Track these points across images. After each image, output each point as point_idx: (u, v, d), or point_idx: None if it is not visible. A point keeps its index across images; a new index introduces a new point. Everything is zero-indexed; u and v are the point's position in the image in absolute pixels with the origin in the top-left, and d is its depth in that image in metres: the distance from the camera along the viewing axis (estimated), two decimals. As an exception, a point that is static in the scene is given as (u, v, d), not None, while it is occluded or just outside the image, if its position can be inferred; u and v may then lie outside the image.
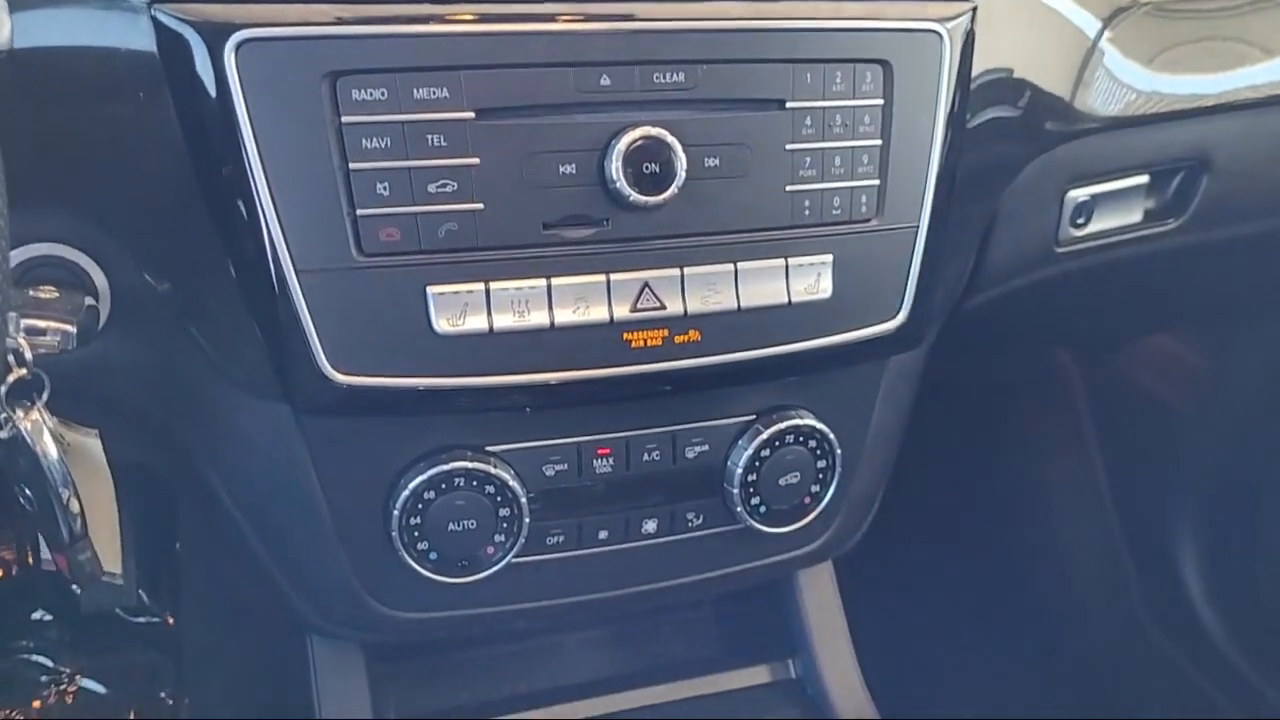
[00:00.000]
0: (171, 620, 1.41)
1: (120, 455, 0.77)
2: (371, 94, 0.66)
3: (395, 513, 0.80)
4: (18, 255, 0.71)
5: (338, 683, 1.07)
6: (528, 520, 0.82)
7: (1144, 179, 1.02)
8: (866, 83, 0.77)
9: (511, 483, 0.81)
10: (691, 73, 0.72)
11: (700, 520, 0.91)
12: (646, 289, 0.74)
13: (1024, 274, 1.02)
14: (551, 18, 0.69)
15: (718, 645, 1.28)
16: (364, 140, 0.67)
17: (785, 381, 0.88)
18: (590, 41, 0.70)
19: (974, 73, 0.83)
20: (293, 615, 0.94)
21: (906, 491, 1.18)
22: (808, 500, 0.91)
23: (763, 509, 0.89)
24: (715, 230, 0.75)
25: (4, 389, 0.67)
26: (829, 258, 0.79)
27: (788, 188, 0.76)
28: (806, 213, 0.77)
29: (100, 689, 1.37)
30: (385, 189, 0.68)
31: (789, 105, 0.75)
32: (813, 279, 0.78)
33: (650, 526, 0.89)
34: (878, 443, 0.97)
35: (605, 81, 0.70)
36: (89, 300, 0.73)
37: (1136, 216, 1.04)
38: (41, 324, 0.68)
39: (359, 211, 0.68)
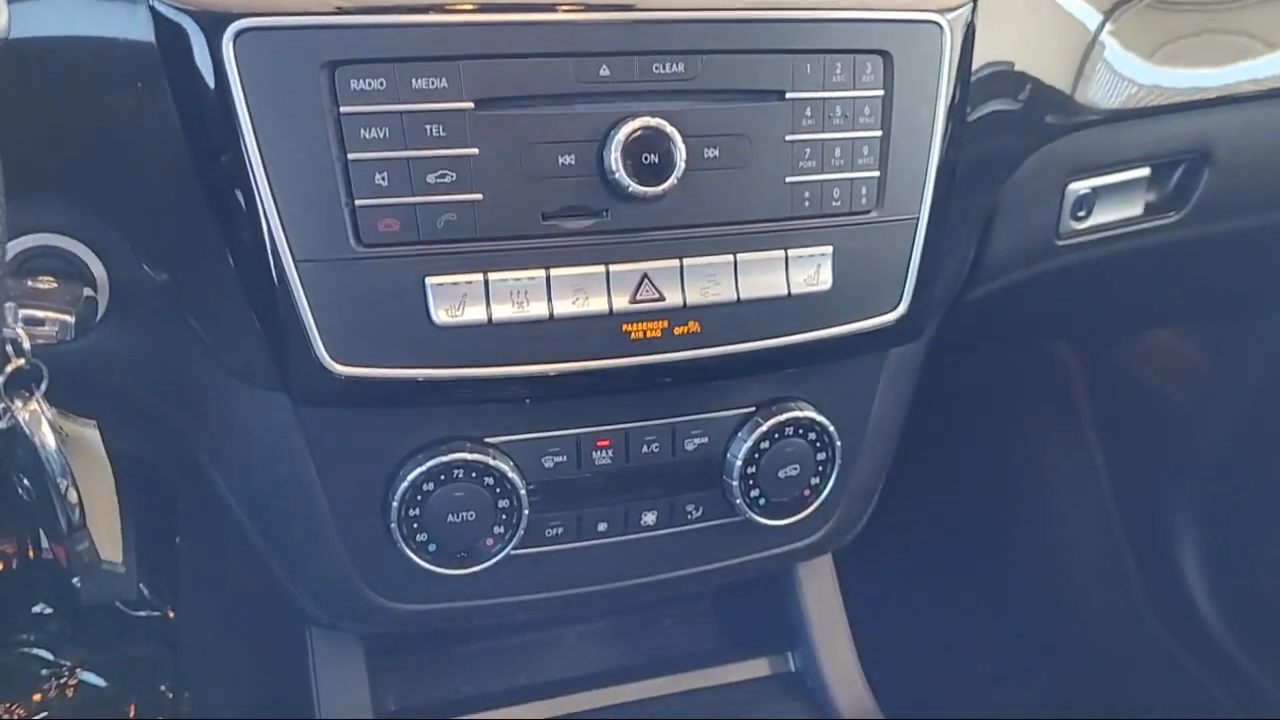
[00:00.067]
0: (171, 614, 1.41)
1: (119, 448, 0.77)
2: (370, 84, 0.66)
3: (394, 504, 0.80)
4: (16, 246, 0.71)
5: (337, 675, 1.07)
6: (527, 512, 0.82)
7: (1145, 172, 1.02)
8: (867, 74, 0.76)
9: (511, 474, 0.81)
10: (691, 63, 0.71)
11: (700, 512, 0.91)
12: (646, 280, 0.74)
13: (1025, 267, 1.01)
14: (551, 7, 0.69)
15: (717, 638, 1.29)
16: (363, 130, 0.66)
17: (785, 373, 0.88)
18: (590, 31, 0.70)
19: (975, 66, 0.83)
20: (292, 607, 0.94)
21: (907, 485, 1.17)
22: (807, 492, 0.91)
23: (762, 501, 0.89)
24: (715, 221, 0.75)
25: (2, 379, 0.67)
26: (829, 249, 0.78)
27: (787, 179, 0.76)
28: (806, 204, 0.77)
29: (100, 682, 1.37)
30: (384, 179, 0.67)
31: (789, 96, 0.75)
32: (812, 270, 0.78)
33: (649, 518, 0.89)
34: (878, 435, 0.97)
35: (604, 72, 0.70)
36: (87, 291, 0.73)
37: (1137, 209, 1.04)
38: (40, 314, 0.68)
39: (358, 202, 0.68)
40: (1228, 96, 1.00)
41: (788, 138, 0.75)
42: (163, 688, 1.38)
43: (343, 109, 0.66)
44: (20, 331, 0.67)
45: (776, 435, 0.87)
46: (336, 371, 0.71)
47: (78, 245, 0.73)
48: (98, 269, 0.74)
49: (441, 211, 0.69)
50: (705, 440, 0.87)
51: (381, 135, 0.67)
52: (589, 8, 0.70)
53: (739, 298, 0.76)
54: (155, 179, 0.71)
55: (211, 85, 0.65)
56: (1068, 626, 1.60)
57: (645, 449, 0.86)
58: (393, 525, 0.80)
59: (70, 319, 0.70)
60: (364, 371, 0.71)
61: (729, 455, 0.88)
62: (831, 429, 0.89)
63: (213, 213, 0.70)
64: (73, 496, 0.72)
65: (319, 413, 0.79)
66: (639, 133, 0.70)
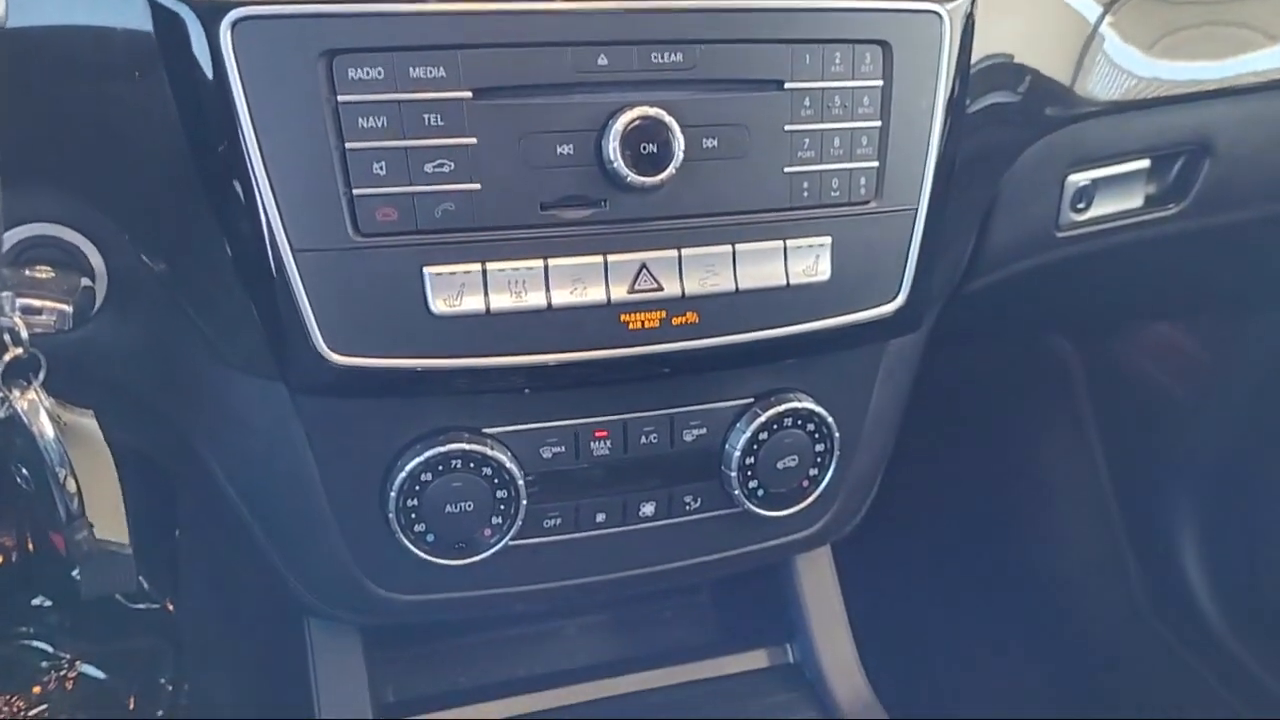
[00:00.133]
0: (171, 607, 1.41)
1: (118, 439, 0.77)
2: (368, 73, 0.66)
3: (392, 494, 0.80)
4: (13, 235, 0.71)
5: (335, 666, 1.07)
6: (525, 502, 0.82)
7: (1145, 164, 1.02)
8: (866, 64, 0.76)
9: (509, 465, 0.81)
10: (690, 53, 0.71)
11: (698, 503, 0.91)
12: (644, 270, 0.74)
13: (1024, 258, 1.01)
14: None
15: (716, 630, 1.29)
16: (360, 119, 0.66)
17: (783, 364, 0.88)
18: (588, 21, 0.70)
19: (974, 58, 0.83)
20: (290, 599, 0.94)
21: (906, 478, 1.18)
22: (806, 484, 0.91)
23: (761, 492, 0.89)
24: (713, 211, 0.75)
25: (0, 368, 0.67)
26: (827, 240, 0.78)
27: (786, 169, 0.76)
28: (805, 194, 0.77)
29: (100, 675, 1.38)
30: (382, 169, 0.67)
31: (788, 86, 0.74)
32: (811, 261, 0.78)
33: (648, 509, 0.89)
34: (876, 426, 0.97)
35: (603, 61, 0.70)
36: (85, 281, 0.73)
37: (1137, 201, 1.04)
38: (37, 303, 0.69)
39: (355, 191, 0.67)
40: (1228, 88, 1.00)
41: (786, 128, 0.75)
42: (162, 680, 1.38)
43: (340, 98, 0.66)
44: (18, 320, 0.67)
45: (775, 426, 0.87)
46: (334, 361, 0.71)
47: (75, 235, 0.73)
48: (95, 259, 0.74)
49: (439, 201, 0.69)
50: (704, 431, 0.87)
51: (379, 124, 0.67)
52: (587, -4, 0.70)
53: (737, 288, 0.76)
54: (153, 169, 0.71)
55: (209, 74, 0.65)
56: (1067, 621, 1.60)
57: (643, 440, 0.86)
58: (391, 515, 0.80)
59: (68, 308, 0.70)
60: (362, 361, 0.71)
61: (727, 446, 0.88)
62: (830, 420, 0.89)
63: (210, 202, 0.70)
64: (71, 486, 0.72)
65: (317, 403, 0.79)
66: (637, 122, 0.70)
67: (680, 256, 0.75)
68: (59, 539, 0.74)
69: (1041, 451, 1.69)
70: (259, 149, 0.66)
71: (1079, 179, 0.98)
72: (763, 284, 0.77)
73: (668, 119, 0.70)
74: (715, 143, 0.73)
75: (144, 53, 0.67)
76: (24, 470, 0.73)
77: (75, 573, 0.80)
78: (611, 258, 0.73)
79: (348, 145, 0.67)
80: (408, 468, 0.79)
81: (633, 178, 0.71)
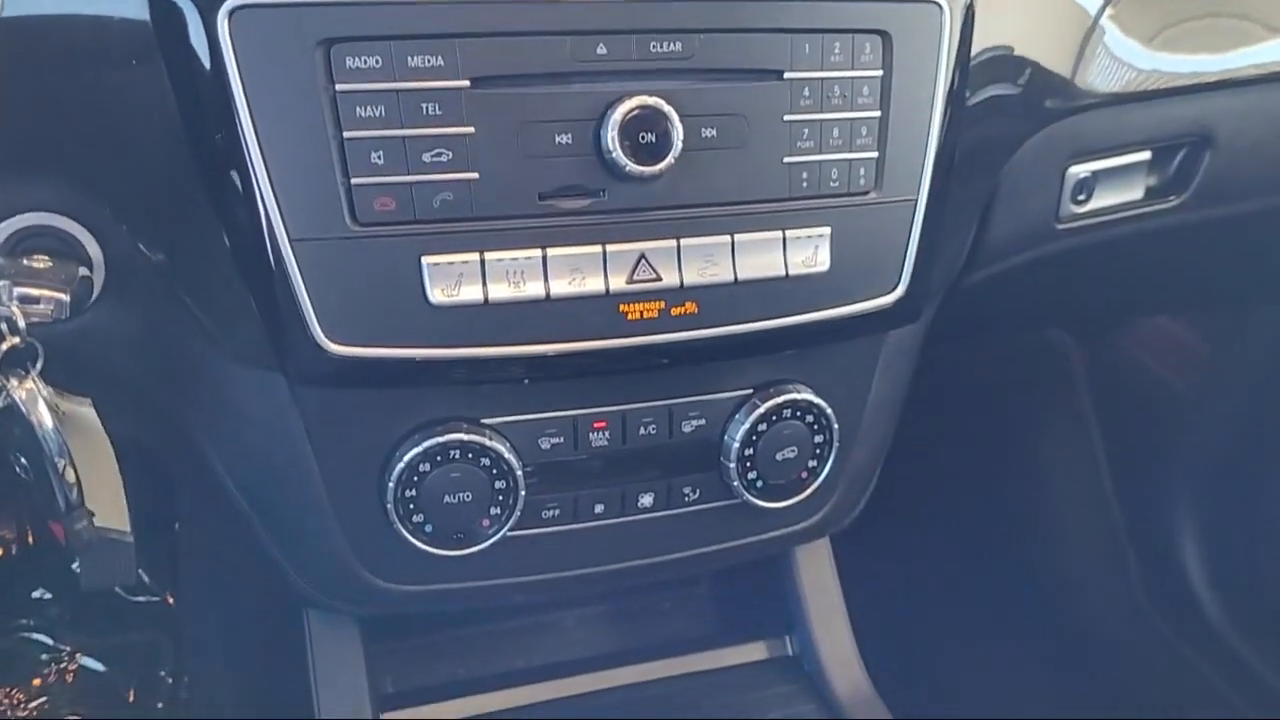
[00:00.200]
0: (171, 600, 1.41)
1: (117, 431, 0.77)
2: (365, 62, 0.66)
3: (390, 485, 0.80)
4: (10, 225, 0.71)
5: (334, 656, 1.07)
6: (523, 493, 0.82)
7: (1145, 155, 1.02)
8: (865, 54, 0.76)
9: (507, 455, 0.81)
10: (689, 42, 0.71)
11: (697, 495, 0.90)
12: (643, 260, 0.74)
13: (1024, 250, 1.01)
14: None
15: (715, 622, 1.29)
16: (358, 108, 0.66)
17: (783, 355, 0.88)
18: (586, 9, 0.70)
19: (975, 50, 0.82)
20: (289, 590, 0.94)
21: (906, 472, 1.17)
22: (805, 475, 0.91)
23: (759, 484, 0.89)
24: (712, 201, 0.75)
25: (-2, 357, 0.67)
26: (827, 230, 0.78)
27: (785, 159, 0.76)
28: (804, 184, 0.77)
29: (100, 667, 1.38)
30: (380, 158, 0.67)
31: (787, 76, 0.74)
32: (810, 251, 0.78)
33: (647, 501, 0.89)
34: (876, 418, 0.97)
35: (602, 50, 0.70)
36: (83, 270, 0.73)
37: (1138, 193, 1.04)
38: (35, 292, 0.69)
39: (353, 180, 0.67)
40: (1228, 80, 1.00)
41: (786, 118, 0.75)
42: (162, 673, 1.38)
43: (338, 87, 0.66)
44: (15, 310, 0.67)
45: (774, 417, 0.87)
46: (332, 351, 0.70)
47: (73, 224, 0.73)
48: (93, 248, 0.74)
49: (437, 190, 0.69)
50: (703, 422, 0.87)
51: (377, 113, 0.66)
52: (586, -15, 0.69)
53: (736, 278, 0.76)
54: (150, 158, 0.71)
55: (207, 64, 0.65)
56: (1066, 615, 1.60)
57: (642, 431, 0.85)
58: (389, 506, 0.80)
59: (65, 298, 0.70)
60: (360, 351, 0.71)
61: (726, 437, 0.88)
62: (829, 411, 0.89)
63: (208, 192, 0.70)
64: (70, 476, 0.72)
65: (315, 393, 0.79)
66: (636, 112, 0.70)
67: (679, 246, 0.74)
68: (58, 528, 0.74)
69: (1042, 446, 1.69)
70: (256, 138, 0.65)
71: (1079, 171, 0.98)
72: (762, 274, 0.77)
73: (666, 108, 0.70)
74: (714, 132, 0.73)
75: (141, 42, 0.67)
76: (23, 460, 0.73)
77: (75, 565, 0.81)
78: (610, 248, 0.73)
79: (345, 134, 0.66)
80: (406, 458, 0.79)
81: (631, 167, 0.70)
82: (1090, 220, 1.02)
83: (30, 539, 1.39)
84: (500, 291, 0.71)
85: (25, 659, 1.37)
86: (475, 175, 0.69)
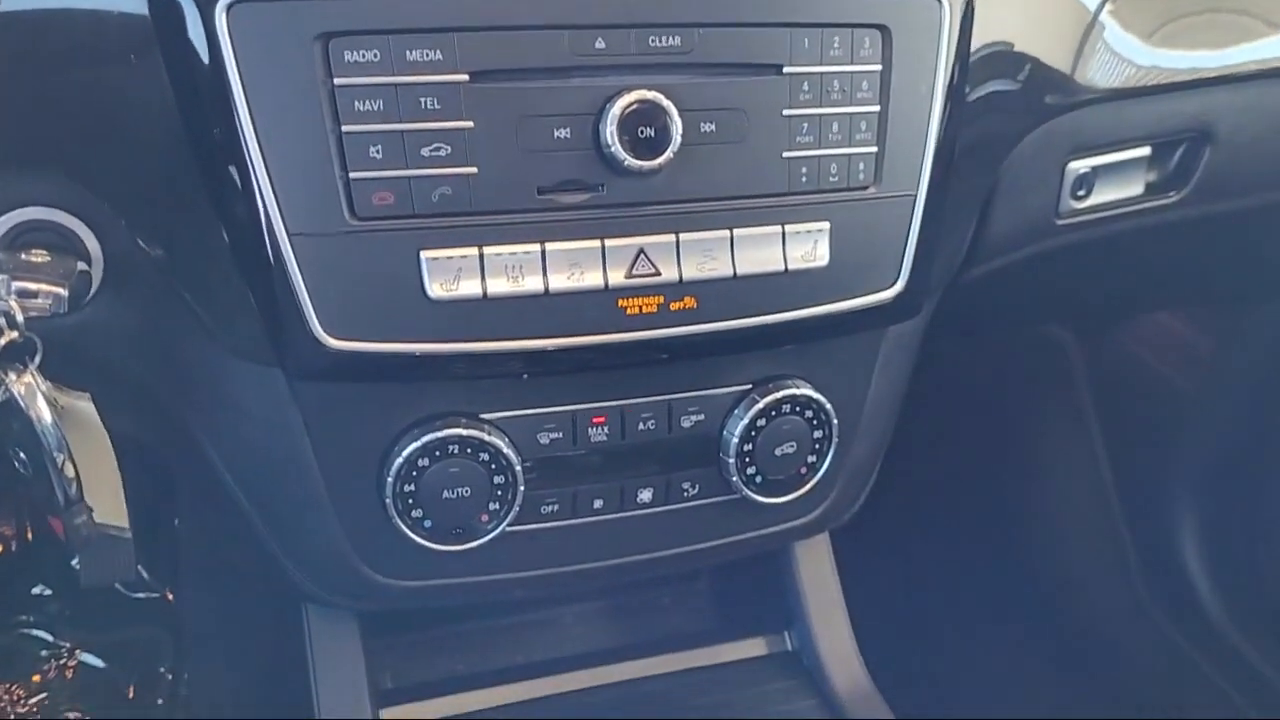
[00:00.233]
0: (170, 596, 1.41)
1: (116, 426, 0.77)
2: (364, 55, 0.66)
3: (389, 480, 0.80)
4: (9, 219, 0.71)
5: (333, 652, 1.07)
6: (522, 488, 0.82)
7: (1145, 151, 1.02)
8: (865, 48, 0.76)
9: (506, 450, 0.81)
10: (688, 36, 0.71)
11: (696, 490, 0.90)
12: (642, 255, 0.74)
13: (1024, 246, 1.01)
14: None
15: (714, 617, 1.29)
16: (356, 103, 0.66)
17: (782, 350, 0.88)
18: (585, 3, 0.69)
19: (974, 46, 0.82)
20: (288, 585, 0.94)
21: (906, 468, 1.18)
22: (804, 470, 0.91)
23: (759, 479, 0.89)
24: (711, 196, 0.75)
25: (-4, 351, 0.67)
26: (826, 225, 0.78)
27: (785, 154, 0.76)
28: (804, 179, 0.77)
29: (100, 663, 1.38)
30: (378, 152, 0.67)
31: (786, 70, 0.74)
32: (809, 246, 0.78)
33: (645, 496, 0.89)
34: (875, 414, 0.97)
35: (600, 44, 0.70)
36: (81, 265, 0.73)
37: (1138, 189, 1.03)
38: (33, 286, 0.69)
39: (351, 175, 0.67)
40: (1228, 76, 0.99)
41: (785, 112, 0.75)
42: (162, 669, 1.38)
43: (336, 81, 0.66)
44: (13, 304, 0.67)
45: (773, 412, 0.87)
46: (331, 346, 0.70)
47: (71, 219, 0.73)
48: (92, 243, 0.74)
49: (436, 185, 0.69)
50: (701, 417, 0.87)
51: (375, 107, 0.66)
52: (584, -22, 0.69)
53: (735, 273, 0.76)
54: (149, 153, 0.71)
55: (205, 58, 0.65)
56: (1066, 612, 1.60)
57: (641, 426, 0.85)
58: (388, 501, 0.80)
59: (63, 292, 0.70)
60: (358, 346, 0.71)
61: (725, 432, 0.88)
62: (828, 407, 0.89)
63: (206, 187, 0.70)
64: (69, 470, 0.72)
65: (314, 388, 0.79)
66: (635, 106, 0.70)
67: (678, 241, 0.74)
68: (57, 524, 0.74)
69: (1042, 442, 1.69)
70: (255, 132, 0.65)
71: (1079, 166, 0.98)
72: (761, 269, 0.77)
73: (665, 103, 0.70)
74: (713, 127, 0.73)
75: (140, 36, 0.67)
76: (22, 455, 0.73)
77: (75, 562, 0.81)
78: (609, 242, 0.73)
79: (344, 128, 0.66)
80: (405, 453, 0.79)
81: (630, 162, 0.70)
82: (1090, 216, 1.01)
83: (30, 535, 1.39)
84: (499, 286, 0.71)
85: (25, 655, 1.37)
86: (474, 170, 0.69)
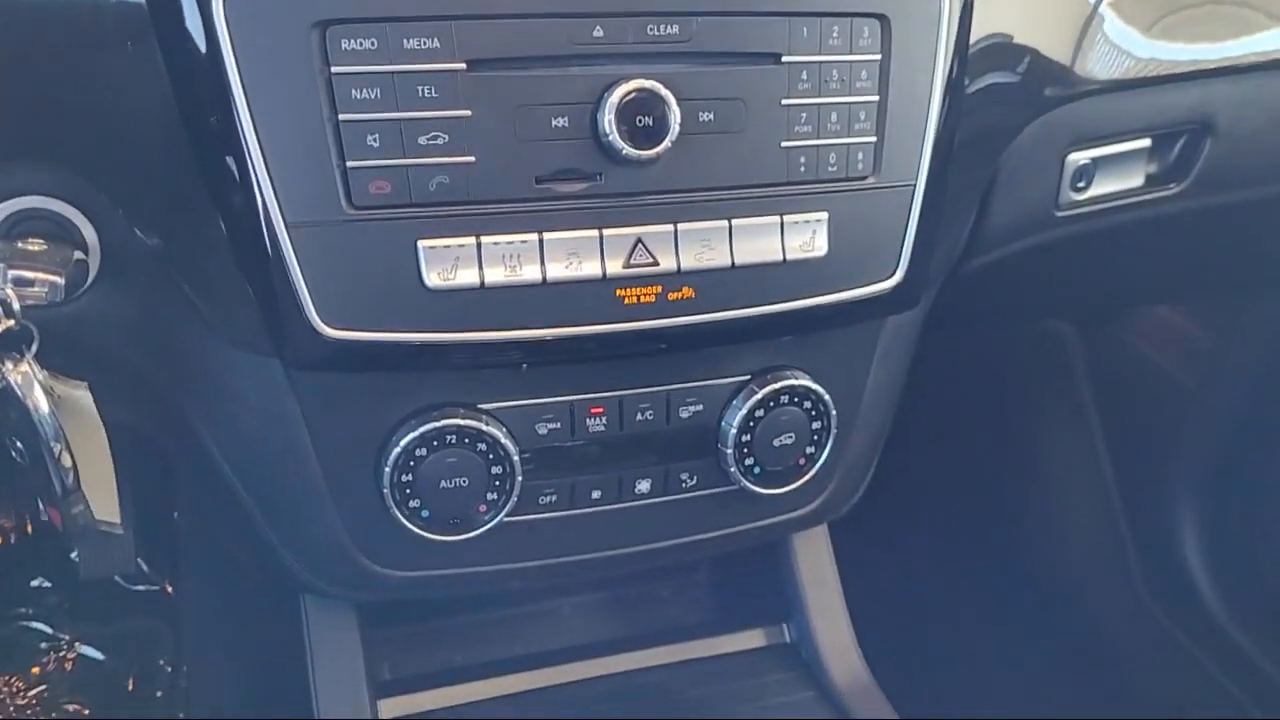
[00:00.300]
0: (170, 588, 1.42)
1: (115, 417, 0.77)
2: (361, 44, 0.65)
3: (387, 470, 0.79)
4: (5, 208, 0.71)
5: (331, 642, 1.07)
6: (520, 479, 0.82)
7: (1145, 142, 1.01)
8: (864, 38, 0.76)
9: (504, 441, 0.80)
10: (686, 25, 0.71)
11: (694, 481, 0.90)
12: (640, 244, 0.74)
13: (1024, 237, 1.01)
14: None
15: (712, 609, 1.29)
16: (354, 91, 0.66)
17: (780, 341, 0.87)
18: None
19: (974, 38, 0.82)
20: (286, 576, 0.94)
21: (906, 461, 1.18)
22: (802, 462, 0.91)
23: (757, 470, 0.89)
24: (709, 186, 0.74)
25: (-7, 340, 0.67)
26: (824, 215, 0.78)
27: (783, 143, 0.75)
28: (802, 169, 0.76)
29: (99, 656, 1.38)
30: (375, 141, 0.67)
31: (785, 60, 0.74)
32: (808, 236, 0.77)
33: (644, 487, 0.89)
34: (874, 405, 0.97)
35: (599, 33, 0.69)
36: (78, 254, 0.73)
37: (1138, 181, 1.03)
38: (29, 275, 0.68)
39: (349, 164, 0.67)
40: (1229, 67, 0.99)
41: (784, 102, 0.75)
42: (161, 661, 1.39)
43: (334, 69, 0.65)
44: (10, 292, 0.67)
45: (771, 403, 0.87)
46: (328, 335, 0.70)
47: (68, 208, 0.72)
48: (89, 232, 0.73)
49: (434, 174, 0.68)
50: (700, 408, 0.87)
51: (373, 96, 0.66)
52: (582, -32, 0.69)
53: (733, 263, 0.76)
54: (145, 141, 0.70)
55: (202, 46, 0.64)
56: (1065, 605, 1.60)
57: (639, 416, 0.85)
58: (385, 491, 0.80)
59: (60, 280, 0.69)
60: (356, 335, 0.71)
61: (723, 423, 0.87)
62: (827, 398, 0.89)
63: (203, 175, 0.69)
64: (66, 460, 0.72)
65: (312, 377, 0.79)
66: (633, 95, 0.69)
67: (676, 231, 0.74)
68: (54, 513, 0.74)
69: (1042, 436, 1.69)
70: (252, 121, 0.65)
71: (1079, 158, 0.98)
72: (759, 259, 0.76)
73: (664, 92, 0.70)
74: (711, 116, 0.73)
75: (136, 24, 0.66)
76: (18, 444, 0.73)
77: (74, 554, 0.81)
78: (607, 232, 0.73)
79: (341, 117, 0.66)
80: (402, 443, 0.79)
81: (628, 151, 0.70)
82: (1090, 207, 1.01)
83: (29, 527, 1.39)
84: (496, 275, 0.71)
85: (24, 647, 1.37)
86: (472, 159, 0.69)
